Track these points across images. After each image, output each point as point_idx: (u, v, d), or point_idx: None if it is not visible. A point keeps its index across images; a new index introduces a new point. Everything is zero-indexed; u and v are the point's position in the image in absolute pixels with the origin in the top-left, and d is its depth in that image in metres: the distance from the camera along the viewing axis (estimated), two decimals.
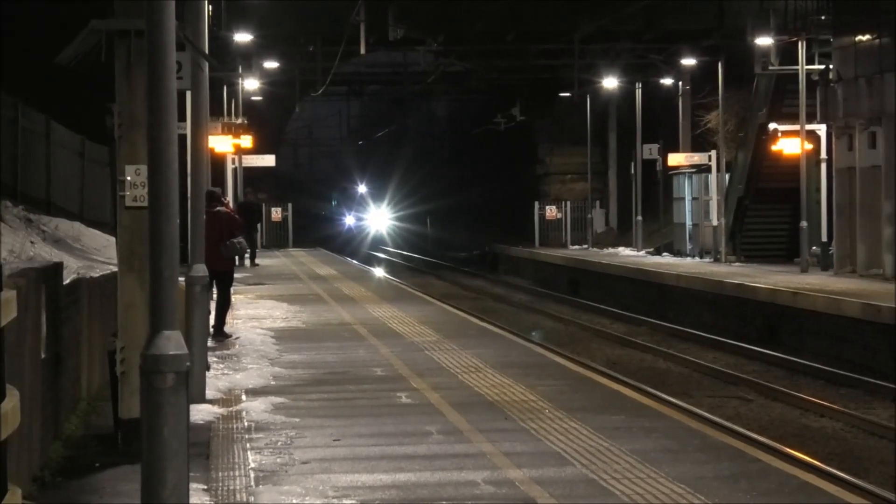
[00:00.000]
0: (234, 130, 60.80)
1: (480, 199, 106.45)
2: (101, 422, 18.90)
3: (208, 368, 23.13)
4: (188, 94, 23.58)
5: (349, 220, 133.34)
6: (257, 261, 62.40)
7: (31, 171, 38.57)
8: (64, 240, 33.93)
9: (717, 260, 64.16)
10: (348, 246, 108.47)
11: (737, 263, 61.97)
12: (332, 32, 71.95)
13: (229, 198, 52.58)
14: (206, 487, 14.45)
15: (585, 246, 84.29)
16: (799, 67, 58.12)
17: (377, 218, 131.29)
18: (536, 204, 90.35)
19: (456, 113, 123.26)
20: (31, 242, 30.28)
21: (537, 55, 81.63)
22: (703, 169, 70.02)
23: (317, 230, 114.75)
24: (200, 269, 22.57)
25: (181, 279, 17.76)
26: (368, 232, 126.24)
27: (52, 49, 19.62)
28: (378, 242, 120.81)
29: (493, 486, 14.40)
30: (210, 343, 26.26)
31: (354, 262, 72.91)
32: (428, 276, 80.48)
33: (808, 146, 58.08)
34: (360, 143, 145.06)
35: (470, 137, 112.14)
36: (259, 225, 68.52)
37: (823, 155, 58.30)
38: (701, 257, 67.90)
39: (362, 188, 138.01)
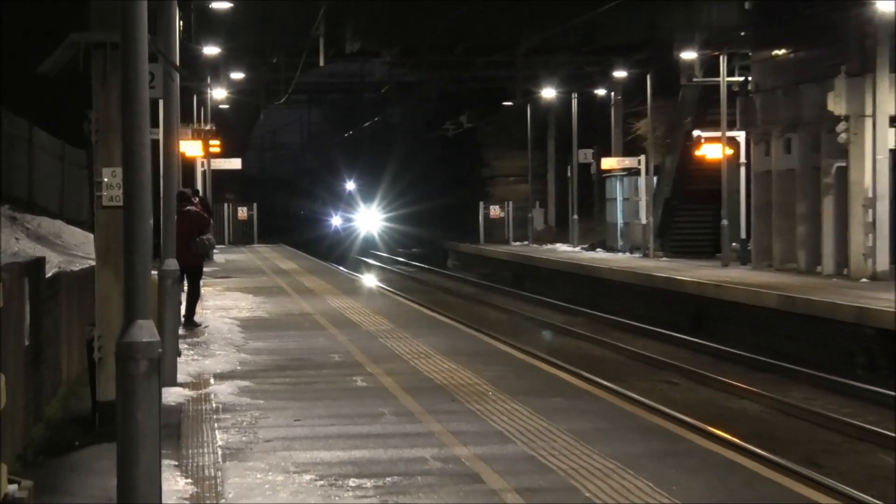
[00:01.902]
0: (204, 136, 60.73)
1: (437, 200, 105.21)
2: (80, 405, 18.85)
3: (179, 354, 23.11)
4: (160, 102, 23.50)
5: (336, 220, 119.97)
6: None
7: (15, 172, 38.45)
8: (46, 237, 33.83)
9: (646, 255, 64.39)
10: (335, 250, 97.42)
11: (664, 259, 62.19)
12: (293, 45, 71.99)
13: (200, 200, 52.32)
14: (177, 464, 14.43)
15: (526, 242, 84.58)
16: (721, 79, 58.39)
17: (368, 218, 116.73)
18: (481, 204, 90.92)
19: (410, 119, 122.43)
20: (16, 239, 30.18)
21: (483, 67, 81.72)
22: (633, 172, 70.41)
23: (296, 232, 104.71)
24: (172, 264, 22.54)
25: (154, 273, 17.76)
26: (358, 234, 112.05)
27: (34, 59, 19.54)
28: (370, 246, 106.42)
29: (441, 463, 14.41)
30: (181, 331, 26.25)
31: (314, 257, 72.72)
32: (384, 272, 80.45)
33: (729, 151, 58.40)
34: (348, 134, 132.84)
35: (425, 142, 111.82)
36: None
37: (743, 159, 58.68)
38: (632, 253, 68.17)
39: (350, 185, 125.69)
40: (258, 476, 13.85)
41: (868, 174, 46.23)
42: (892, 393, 29.63)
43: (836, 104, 47.17)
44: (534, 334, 43.48)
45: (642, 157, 68.94)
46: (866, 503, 18.43)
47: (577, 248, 74.77)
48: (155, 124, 22.22)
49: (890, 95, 45.93)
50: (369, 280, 57.08)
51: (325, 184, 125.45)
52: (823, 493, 14.26)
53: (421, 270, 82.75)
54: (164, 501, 11.07)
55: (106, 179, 16.86)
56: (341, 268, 69.18)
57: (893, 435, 25.15)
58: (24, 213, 35.24)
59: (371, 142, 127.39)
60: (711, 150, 59.27)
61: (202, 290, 33.15)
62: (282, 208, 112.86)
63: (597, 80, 77.14)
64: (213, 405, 18.82)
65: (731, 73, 58.97)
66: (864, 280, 44.61)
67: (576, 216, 78.20)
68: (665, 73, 66.54)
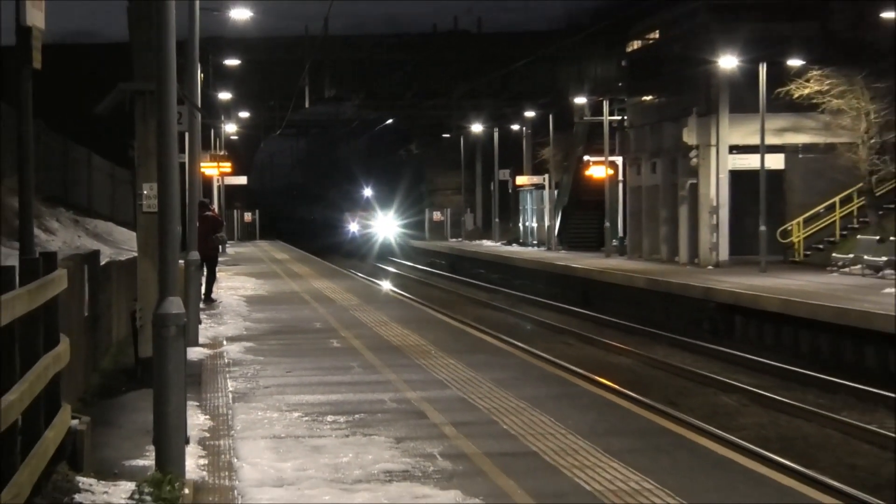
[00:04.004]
0: (218, 159, 60.49)
1: (398, 207, 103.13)
2: (126, 360, 18.76)
3: (200, 323, 23.01)
4: (186, 135, 23.44)
5: (353, 226, 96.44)
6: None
7: (77, 186, 38.28)
8: (100, 234, 33.65)
9: (549, 249, 64.59)
10: (352, 257, 79.95)
11: (562, 251, 62.34)
12: (286, 92, 72.00)
13: (215, 206, 52.17)
14: (198, 404, 14.38)
15: (460, 239, 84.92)
16: (604, 118, 58.57)
17: (385, 224, 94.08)
18: (427, 210, 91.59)
19: (373, 146, 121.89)
20: (78, 236, 30.03)
21: (428, 108, 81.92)
22: (539, 186, 70.82)
23: (310, 238, 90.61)
24: (194, 255, 22.49)
25: (181, 262, 17.71)
26: (376, 240, 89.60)
27: (92, 102, 19.43)
28: (386, 252, 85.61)
29: (396, 403, 14.41)
30: (202, 306, 26.14)
31: (300, 250, 72.46)
32: (354, 262, 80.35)
33: (611, 172, 58.69)
34: (365, 133, 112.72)
35: (387, 163, 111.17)
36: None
37: (620, 178, 58.95)
38: (538, 247, 68.42)
39: (368, 191, 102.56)
40: (259, 413, 13.83)
41: (713, 189, 46.45)
42: (727, 350, 29.88)
43: (689, 137, 47.42)
44: (465, 307, 43.50)
45: (546, 176, 69.35)
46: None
47: (498, 244, 74.97)
48: (182, 151, 22.18)
49: (729, 130, 46.19)
50: (342, 267, 56.92)
51: (311, 196, 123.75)
52: (679, 424, 14.34)
53: (383, 261, 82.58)
54: (188, 432, 11.07)
55: (145, 192, 16.78)
56: (322, 259, 68.97)
57: (730, 381, 25.36)
58: (84, 216, 35.03)
59: (351, 163, 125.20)
60: (597, 171, 59.70)
61: (217, 275, 33.04)
62: (278, 213, 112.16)
63: (512, 118, 77.33)
64: (226, 360, 18.77)
65: (611, 113, 59.22)
66: (709, 267, 44.85)
67: (497, 219, 78.71)
68: (563, 113, 66.86)
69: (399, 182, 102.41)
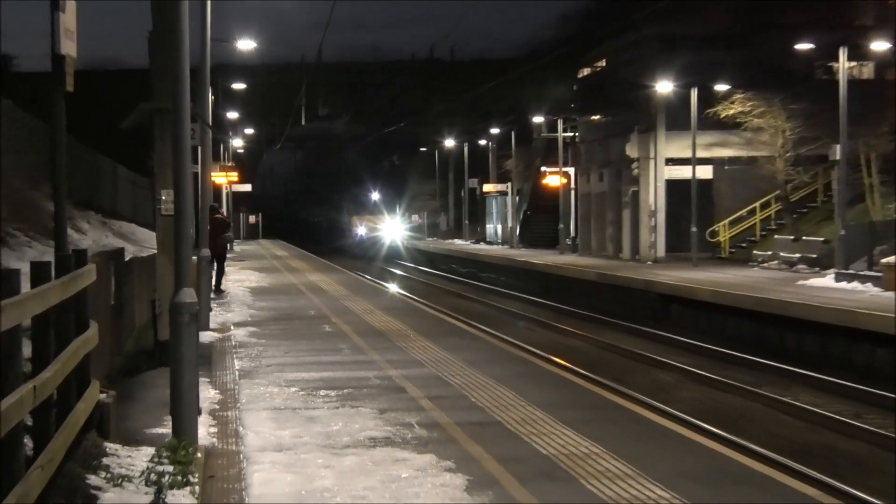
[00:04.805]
0: (226, 169, 60.29)
1: (405, 211, 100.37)
2: (146, 343, 18.70)
3: (210, 310, 22.96)
4: (199, 148, 23.38)
5: (361, 229, 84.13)
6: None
7: (105, 193, 38.13)
8: (125, 234, 33.53)
9: (511, 247, 64.70)
10: (361, 260, 69.55)
11: (523, 249, 62.41)
12: (284, 110, 72.08)
13: (223, 210, 52.04)
14: (209, 380, 14.34)
15: (435, 238, 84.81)
16: (559, 134, 58.69)
17: (392, 227, 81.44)
18: (407, 213, 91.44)
19: (359, 159, 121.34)
20: (105, 236, 29.91)
21: (408, 125, 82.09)
22: (503, 193, 70.91)
23: (316, 240, 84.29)
24: (206, 252, 22.48)
25: (194, 258, 17.65)
26: (383, 243, 78.15)
27: (117, 119, 19.38)
28: (393, 255, 73.80)
29: (379, 380, 14.39)
30: (212, 296, 26.09)
31: (298, 248, 72.30)
32: (345, 258, 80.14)
33: (564, 180, 58.80)
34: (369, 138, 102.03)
35: (373, 173, 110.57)
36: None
37: (573, 186, 59.00)
38: (502, 245, 68.46)
39: (375, 195, 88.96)
40: (261, 388, 13.80)
41: (651, 195, 46.57)
42: (666, 333, 29.94)
43: (632, 150, 47.54)
44: (441, 297, 43.43)
45: (509, 184, 69.54)
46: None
47: (468, 243, 75.00)
48: (194, 162, 22.10)
49: (665, 145, 46.31)
50: (334, 263, 56.77)
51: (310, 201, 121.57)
52: (624, 398, 14.34)
53: (369, 257, 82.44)
54: (201, 405, 11.03)
55: (163, 197, 16.72)
56: (317, 256, 68.71)
57: (668, 361, 25.41)
58: (110, 219, 34.92)
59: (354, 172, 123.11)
60: (553, 180, 59.79)
61: (226, 269, 32.98)
62: (278, 216, 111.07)
63: (480, 133, 77.43)
64: (233, 343, 18.73)
65: (565, 130, 59.31)
66: (649, 263, 44.96)
67: (467, 221, 78.69)
68: (524, 130, 67.10)
69: (384, 189, 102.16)
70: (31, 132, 27.05)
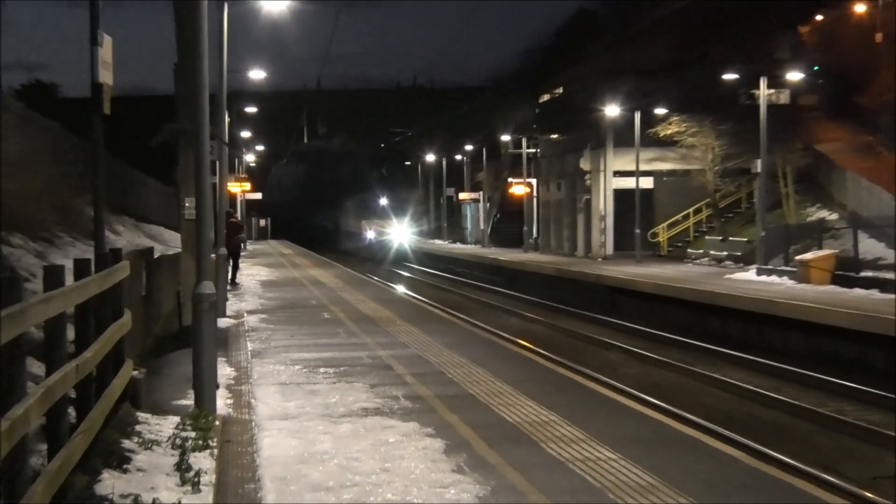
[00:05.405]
0: (240, 180, 60.11)
1: (411, 216, 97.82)
2: (172, 327, 18.66)
3: (227, 300, 22.89)
4: (217, 162, 23.32)
5: (370, 233, 78.13)
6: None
7: (137, 200, 37.96)
8: (154, 236, 33.36)
9: (483, 246, 64.64)
10: (368, 262, 63.16)
11: (493, 248, 62.38)
12: (289, 129, 71.89)
13: (238, 215, 51.82)
14: (226, 360, 14.31)
15: (419, 238, 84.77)
16: (523, 150, 58.70)
17: (399, 231, 75.17)
18: (394, 218, 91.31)
19: (353, 171, 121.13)
20: (138, 237, 29.74)
21: (395, 142, 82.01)
22: (476, 200, 70.81)
23: (324, 243, 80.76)
24: (223, 250, 22.32)
25: (213, 255, 17.61)
26: (391, 246, 70.95)
27: (146, 137, 19.33)
28: (401, 258, 66.68)
29: (370, 359, 14.39)
30: (228, 287, 26.01)
31: (300, 246, 72.10)
32: (342, 256, 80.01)
33: (528, 190, 58.73)
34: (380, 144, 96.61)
35: (365, 184, 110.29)
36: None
37: (535, 194, 58.99)
38: (475, 245, 68.39)
39: (384, 200, 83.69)
40: (270, 366, 13.78)
41: (601, 202, 46.66)
42: (613, 320, 29.96)
43: (585, 164, 47.64)
44: (423, 289, 43.42)
45: (481, 193, 69.38)
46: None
47: (446, 243, 74.92)
48: (213, 174, 22.04)
49: (613, 159, 46.42)
50: (332, 259, 56.66)
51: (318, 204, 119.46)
52: (578, 374, 14.37)
53: (361, 256, 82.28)
54: (218, 380, 11.02)
55: (187, 204, 16.70)
56: (318, 254, 68.54)
57: (616, 343, 25.47)
58: (142, 222, 34.75)
59: (353, 181, 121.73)
60: (518, 189, 59.75)
61: (240, 265, 32.89)
62: (285, 220, 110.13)
63: (456, 149, 77.43)
64: (246, 328, 18.68)
65: (528, 147, 59.32)
66: (599, 259, 45.04)
67: (445, 224, 78.56)
68: (493, 147, 67.06)
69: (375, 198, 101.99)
70: (74, 148, 26.93)
